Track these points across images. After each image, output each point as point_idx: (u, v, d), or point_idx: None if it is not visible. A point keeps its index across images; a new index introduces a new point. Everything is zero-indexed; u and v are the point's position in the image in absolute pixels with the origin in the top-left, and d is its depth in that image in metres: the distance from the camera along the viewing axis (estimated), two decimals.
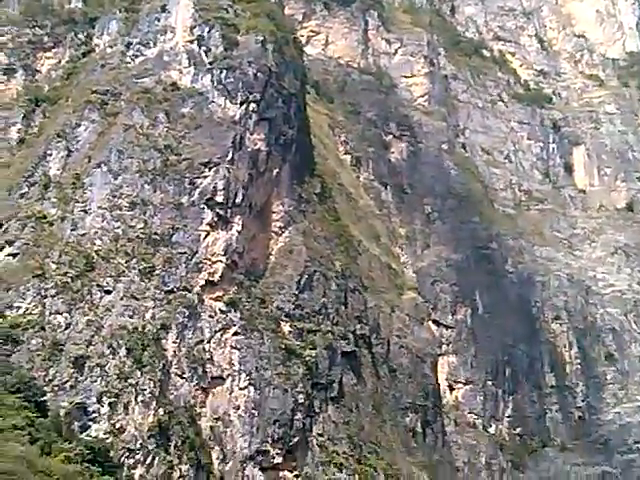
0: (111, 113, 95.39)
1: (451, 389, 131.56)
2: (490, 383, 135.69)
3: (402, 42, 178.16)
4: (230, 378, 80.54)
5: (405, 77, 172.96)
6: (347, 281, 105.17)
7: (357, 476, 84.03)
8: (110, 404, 70.73)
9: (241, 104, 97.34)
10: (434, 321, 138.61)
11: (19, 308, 77.39)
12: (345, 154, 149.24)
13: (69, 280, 79.19)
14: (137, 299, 79.42)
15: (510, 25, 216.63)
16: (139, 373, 73.36)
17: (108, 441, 68.37)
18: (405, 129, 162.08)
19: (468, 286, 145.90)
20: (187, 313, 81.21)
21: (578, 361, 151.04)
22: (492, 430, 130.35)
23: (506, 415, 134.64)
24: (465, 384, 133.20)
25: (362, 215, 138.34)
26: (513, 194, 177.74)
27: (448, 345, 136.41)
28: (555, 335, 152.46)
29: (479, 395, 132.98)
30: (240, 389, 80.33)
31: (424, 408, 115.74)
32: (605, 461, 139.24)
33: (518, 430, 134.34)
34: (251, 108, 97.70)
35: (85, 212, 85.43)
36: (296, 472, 78.77)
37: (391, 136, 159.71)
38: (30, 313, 76.75)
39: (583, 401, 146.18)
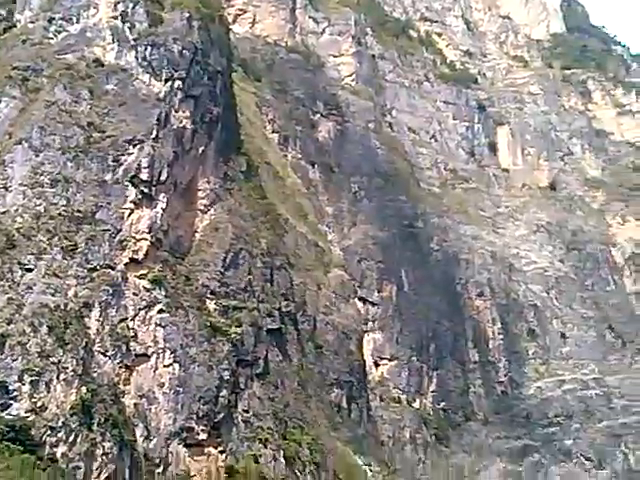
0: (33, 89, 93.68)
1: (376, 365, 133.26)
2: (415, 359, 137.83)
3: (330, 21, 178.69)
4: (155, 355, 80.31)
5: (333, 56, 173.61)
6: (273, 259, 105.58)
7: (282, 451, 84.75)
8: (31, 382, 69.94)
9: (166, 81, 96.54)
10: (360, 298, 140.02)
11: None
12: (272, 132, 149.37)
13: None
14: (59, 277, 78.49)
15: (436, 6, 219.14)
16: (61, 351, 72.66)
17: (29, 419, 67.76)
18: (332, 108, 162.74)
19: (394, 264, 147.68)
20: (111, 291, 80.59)
21: (501, 337, 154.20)
22: (416, 405, 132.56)
23: (430, 390, 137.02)
24: (390, 360, 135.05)
25: (289, 193, 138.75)
26: (439, 173, 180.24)
27: (374, 322, 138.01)
28: (478, 311, 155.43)
29: (404, 371, 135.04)
30: (165, 366, 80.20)
31: (349, 384, 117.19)
32: (526, 434, 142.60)
33: (442, 405, 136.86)
34: (177, 85, 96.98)
35: (6, 189, 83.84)
36: (221, 448, 79.08)
37: (318, 115, 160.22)
38: None
39: (505, 376, 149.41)
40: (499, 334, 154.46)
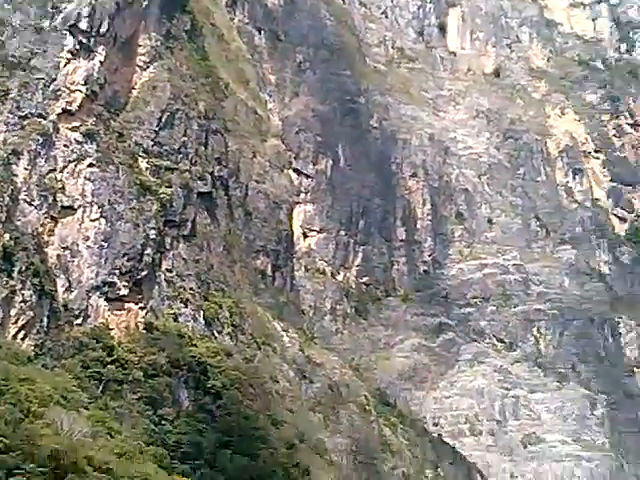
0: None
1: (304, 236, 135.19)
2: (343, 233, 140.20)
3: None
4: (81, 209, 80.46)
5: None
6: (210, 122, 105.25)
7: (202, 312, 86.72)
8: None
9: None
10: (295, 169, 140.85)
11: None
12: None
13: None
14: None
15: None
16: None
17: None
18: None
19: (332, 138, 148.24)
20: (41, 140, 79.95)
21: (429, 218, 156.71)
22: (340, 277, 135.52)
23: (355, 264, 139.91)
24: (319, 232, 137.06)
25: (232, 58, 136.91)
26: (386, 50, 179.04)
27: (306, 194, 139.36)
28: (410, 192, 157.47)
29: (331, 243, 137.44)
30: (91, 221, 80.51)
31: (276, 252, 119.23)
32: (443, 313, 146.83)
33: (365, 279, 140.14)
34: None
35: None
36: (141, 304, 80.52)
37: None
38: None
39: (429, 256, 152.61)
40: (427, 215, 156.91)
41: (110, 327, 76.18)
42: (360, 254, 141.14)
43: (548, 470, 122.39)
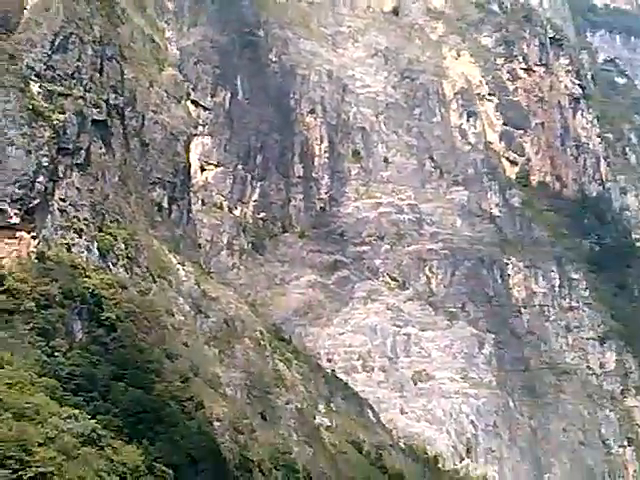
0: None
1: (202, 170, 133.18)
2: (241, 167, 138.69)
3: None
4: None
5: None
6: (105, 48, 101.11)
7: (96, 243, 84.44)
8: None
9: None
10: (192, 101, 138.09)
11: None
12: None
13: None
14: None
15: None
16: None
17: None
18: None
19: (230, 70, 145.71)
20: None
21: (326, 155, 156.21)
22: (237, 212, 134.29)
23: (252, 199, 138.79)
24: (216, 166, 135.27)
25: None
26: None
27: (204, 126, 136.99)
28: (308, 128, 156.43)
29: (228, 178, 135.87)
30: None
31: (172, 185, 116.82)
32: (339, 251, 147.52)
33: (262, 215, 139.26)
34: None
35: None
36: (34, 234, 77.70)
37: None
38: None
39: (326, 193, 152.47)
40: (325, 152, 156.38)
41: (0, 256, 73.35)
42: (257, 189, 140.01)
43: (437, 406, 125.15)
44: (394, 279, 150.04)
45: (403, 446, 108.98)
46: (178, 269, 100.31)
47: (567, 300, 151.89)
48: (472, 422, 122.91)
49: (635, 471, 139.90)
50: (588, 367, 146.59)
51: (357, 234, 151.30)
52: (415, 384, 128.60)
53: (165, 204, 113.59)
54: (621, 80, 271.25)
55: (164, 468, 65.55)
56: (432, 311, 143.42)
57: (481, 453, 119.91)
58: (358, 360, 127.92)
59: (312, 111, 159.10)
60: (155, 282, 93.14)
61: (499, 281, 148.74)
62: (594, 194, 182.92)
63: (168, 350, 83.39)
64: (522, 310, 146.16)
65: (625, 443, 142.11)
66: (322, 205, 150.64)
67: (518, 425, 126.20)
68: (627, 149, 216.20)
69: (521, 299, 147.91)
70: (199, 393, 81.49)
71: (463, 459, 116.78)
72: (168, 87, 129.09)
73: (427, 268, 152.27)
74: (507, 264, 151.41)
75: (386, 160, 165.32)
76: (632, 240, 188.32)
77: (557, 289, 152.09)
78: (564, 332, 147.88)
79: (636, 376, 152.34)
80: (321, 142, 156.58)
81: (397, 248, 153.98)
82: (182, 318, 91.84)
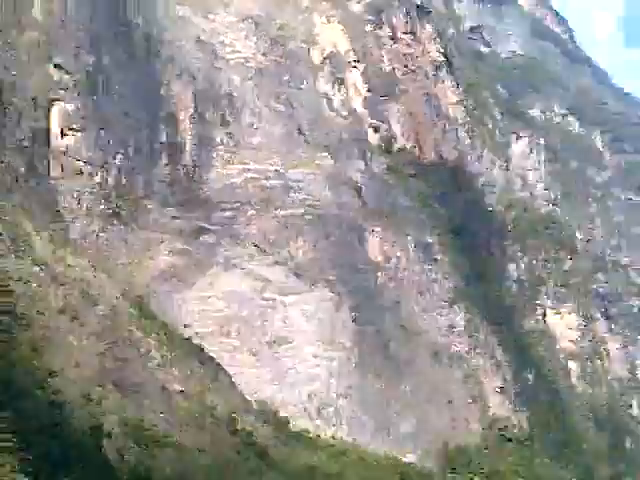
0: None
1: (63, 135, 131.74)
2: (102, 132, 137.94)
3: None
4: None
5: None
6: None
7: None
8: None
9: None
10: (55, 65, 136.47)
11: None
12: None
13: None
14: None
15: None
16: None
17: None
18: None
19: (95, 34, 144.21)
20: None
21: (193, 120, 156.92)
22: (98, 178, 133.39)
23: (114, 165, 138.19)
24: (78, 131, 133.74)
25: None
26: None
27: (66, 90, 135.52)
28: (175, 93, 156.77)
29: (90, 143, 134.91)
30: None
31: (31, 150, 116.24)
32: (204, 217, 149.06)
33: (124, 181, 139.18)
34: None
35: None
36: None
37: None
38: None
39: (192, 159, 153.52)
40: (192, 118, 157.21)
41: None
42: (120, 155, 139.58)
43: (292, 369, 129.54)
44: (258, 245, 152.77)
45: (256, 409, 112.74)
46: (34, 237, 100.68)
47: (422, 264, 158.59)
48: (325, 384, 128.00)
49: (477, 428, 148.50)
50: (438, 328, 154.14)
51: (223, 200, 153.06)
52: (272, 348, 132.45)
53: (22, 169, 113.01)
54: (485, 49, 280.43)
55: (10, 436, 67.01)
56: (294, 277, 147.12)
57: (332, 414, 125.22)
58: (217, 326, 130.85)
59: (179, 76, 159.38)
60: (9, 250, 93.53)
61: (359, 246, 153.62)
62: (453, 160, 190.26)
63: (21, 318, 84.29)
64: (380, 274, 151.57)
65: (470, 400, 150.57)
66: (186, 171, 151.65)
67: (370, 386, 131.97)
68: (485, 116, 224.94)
69: (380, 263, 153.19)
70: (52, 362, 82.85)
71: (314, 420, 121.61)
72: (30, 50, 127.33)
73: (292, 234, 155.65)
74: (367, 229, 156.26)
75: (254, 126, 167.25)
76: (487, 204, 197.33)
77: (412, 253, 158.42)
78: (418, 295, 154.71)
79: (482, 336, 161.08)
80: (187, 107, 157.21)
81: (263, 214, 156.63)
82: (36, 286, 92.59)
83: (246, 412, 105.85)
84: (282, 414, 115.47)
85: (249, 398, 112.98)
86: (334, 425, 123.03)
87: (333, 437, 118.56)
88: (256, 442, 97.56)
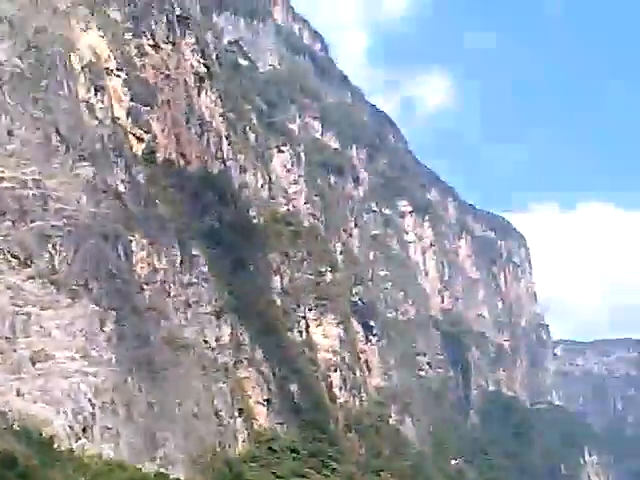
0: None
1: None
2: None
3: None
4: None
5: None
6: None
7: None
8: None
9: None
10: None
11: None
12: None
13: None
14: None
15: None
16: None
17: None
18: None
19: None
20: None
21: None
22: None
23: None
24: None
25: None
26: None
27: None
28: None
29: None
30: None
31: None
32: None
33: None
34: None
35: None
36: None
37: None
38: None
39: None
40: None
41: None
42: None
43: (55, 386, 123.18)
44: (15, 257, 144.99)
45: (18, 429, 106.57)
46: None
47: (187, 276, 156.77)
48: (90, 400, 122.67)
49: (244, 440, 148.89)
50: (205, 341, 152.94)
51: None
52: (33, 365, 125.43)
53: None
54: (244, 61, 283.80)
55: None
56: (54, 290, 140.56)
57: (97, 431, 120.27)
58: None
59: None
60: None
61: (123, 258, 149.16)
62: (216, 172, 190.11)
63: None
64: (144, 287, 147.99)
65: (236, 414, 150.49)
66: None
67: (136, 401, 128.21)
68: (247, 128, 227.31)
69: (144, 275, 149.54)
70: None
71: (80, 439, 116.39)
72: None
73: (50, 245, 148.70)
74: (131, 241, 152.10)
75: (10, 133, 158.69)
76: (250, 217, 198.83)
77: (178, 265, 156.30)
78: (184, 307, 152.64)
79: (248, 348, 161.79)
80: None
81: (20, 225, 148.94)
82: None
83: (6, 432, 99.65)
84: (46, 433, 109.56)
85: (10, 417, 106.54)
86: (100, 443, 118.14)
87: (100, 456, 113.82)
88: (18, 464, 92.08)
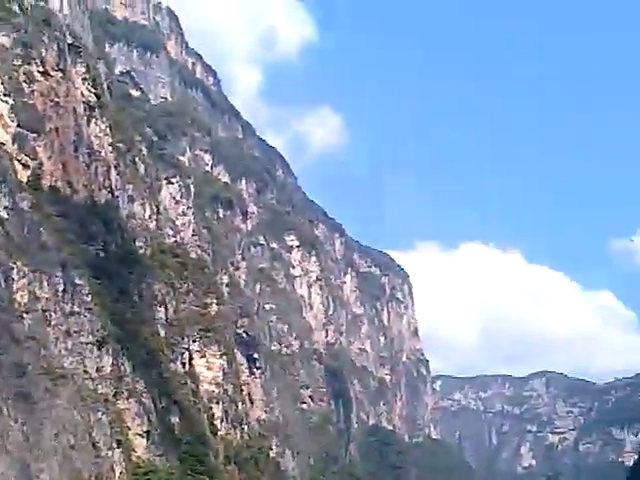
0: None
1: None
2: None
3: None
4: None
5: None
6: None
7: None
8: None
9: None
10: None
11: None
12: None
13: None
14: None
15: None
16: None
17: None
18: None
19: None
20: None
21: None
22: None
23: None
24: None
25: None
26: None
27: None
28: None
29: None
30: None
31: None
32: None
33: None
34: None
35: None
36: None
37: None
38: None
39: None
40: None
41: None
42: None
43: None
44: None
45: None
46: None
47: (69, 305, 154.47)
48: None
49: (122, 472, 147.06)
50: (85, 371, 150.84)
51: None
52: None
53: None
54: (136, 92, 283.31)
55: None
56: None
57: None
58: None
59: None
60: None
61: (3, 285, 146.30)
62: (103, 201, 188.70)
63: None
64: (24, 315, 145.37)
65: (115, 445, 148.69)
66: None
67: (10, 432, 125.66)
68: (137, 159, 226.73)
69: (24, 304, 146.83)
70: None
71: None
72: None
73: None
74: (12, 268, 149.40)
75: None
76: (136, 247, 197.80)
77: (61, 294, 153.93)
78: (64, 337, 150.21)
79: (129, 379, 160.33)
80: None
81: None
82: None
83: None
84: None
85: None
86: None
87: None
88: None
